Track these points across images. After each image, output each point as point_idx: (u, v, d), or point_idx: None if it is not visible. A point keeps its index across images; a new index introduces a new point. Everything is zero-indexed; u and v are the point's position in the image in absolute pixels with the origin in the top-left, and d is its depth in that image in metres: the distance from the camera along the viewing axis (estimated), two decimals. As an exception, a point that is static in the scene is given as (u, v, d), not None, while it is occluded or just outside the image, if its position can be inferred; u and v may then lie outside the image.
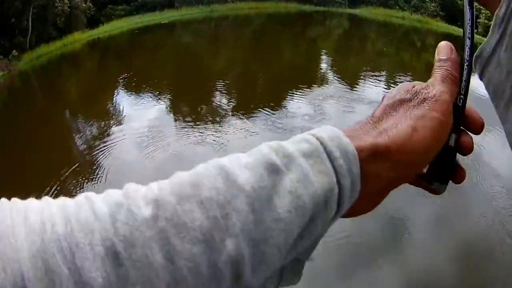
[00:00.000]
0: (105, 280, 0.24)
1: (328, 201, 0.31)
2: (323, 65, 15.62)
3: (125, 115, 9.93)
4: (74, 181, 6.88)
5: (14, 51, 29.84)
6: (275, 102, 9.74)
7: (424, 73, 14.17)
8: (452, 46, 0.44)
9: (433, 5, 46.35)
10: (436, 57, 0.42)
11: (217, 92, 11.17)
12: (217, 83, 11.98)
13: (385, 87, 11.87)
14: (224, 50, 18.65)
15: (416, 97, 0.37)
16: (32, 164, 7.74)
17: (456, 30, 39.75)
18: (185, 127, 8.62)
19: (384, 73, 14.08)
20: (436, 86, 0.38)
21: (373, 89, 11.34)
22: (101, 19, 38.43)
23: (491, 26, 0.35)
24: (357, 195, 0.33)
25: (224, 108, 9.94)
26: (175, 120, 9.28)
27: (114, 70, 16.82)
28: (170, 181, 0.30)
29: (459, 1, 40.42)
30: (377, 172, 0.33)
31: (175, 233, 0.26)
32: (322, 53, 18.10)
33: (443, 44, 0.44)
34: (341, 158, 0.31)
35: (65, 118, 11.25)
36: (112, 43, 26.83)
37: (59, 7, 33.28)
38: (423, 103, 0.36)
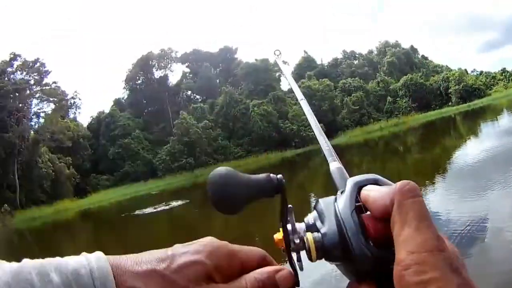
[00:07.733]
0: None
1: None
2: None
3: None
4: None
5: (6, 205, 28.91)
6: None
7: (412, 176, 14.03)
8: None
9: (404, 101, 48.01)
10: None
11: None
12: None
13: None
14: (216, 218, 18.74)
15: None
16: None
17: (432, 115, 40.22)
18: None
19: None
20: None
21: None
22: (87, 188, 37.80)
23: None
24: None
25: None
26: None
27: (108, 244, 16.20)
28: None
29: (425, 83, 42.04)
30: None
31: None
32: (311, 197, 18.40)
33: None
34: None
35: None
36: (104, 214, 27.61)
37: (43, 168, 33.08)
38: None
